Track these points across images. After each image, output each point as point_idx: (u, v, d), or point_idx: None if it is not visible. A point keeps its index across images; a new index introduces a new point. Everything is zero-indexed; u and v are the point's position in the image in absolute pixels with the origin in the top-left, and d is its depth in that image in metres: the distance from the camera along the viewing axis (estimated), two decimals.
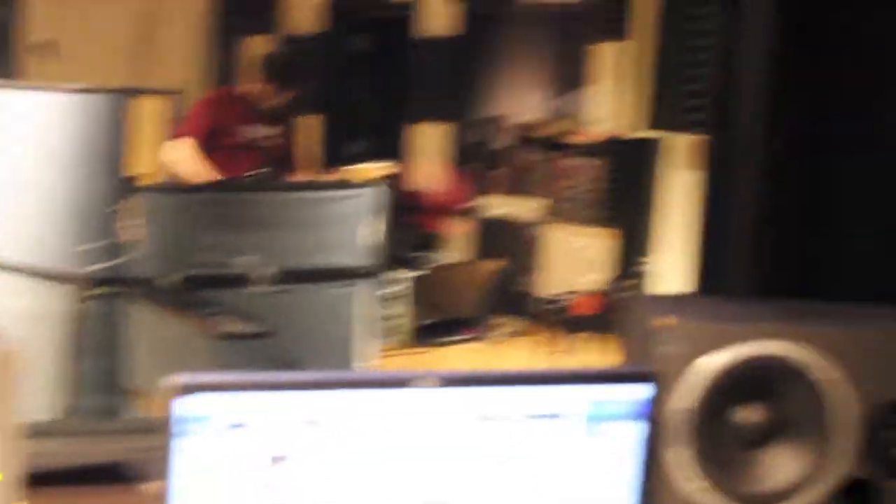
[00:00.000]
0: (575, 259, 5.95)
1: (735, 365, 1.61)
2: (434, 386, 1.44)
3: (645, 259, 5.28)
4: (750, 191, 2.43)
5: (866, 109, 2.24)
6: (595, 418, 1.50)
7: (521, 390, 1.47)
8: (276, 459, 1.39)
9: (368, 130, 7.11)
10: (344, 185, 4.57)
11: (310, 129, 6.80)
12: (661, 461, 1.59)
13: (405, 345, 5.55)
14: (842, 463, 1.62)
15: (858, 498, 1.63)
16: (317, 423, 1.40)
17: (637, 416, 1.52)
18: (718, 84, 2.98)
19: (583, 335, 5.26)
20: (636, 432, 1.52)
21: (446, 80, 6.75)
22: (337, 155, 6.43)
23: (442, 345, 5.65)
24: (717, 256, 2.54)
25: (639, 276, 5.20)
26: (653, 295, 2.30)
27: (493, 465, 1.47)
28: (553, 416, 1.49)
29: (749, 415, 1.63)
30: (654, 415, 1.53)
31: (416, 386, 1.44)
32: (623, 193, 5.67)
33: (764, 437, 1.63)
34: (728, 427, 1.63)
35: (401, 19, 6.99)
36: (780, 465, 1.62)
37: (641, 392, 1.52)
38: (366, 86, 7.26)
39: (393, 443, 1.43)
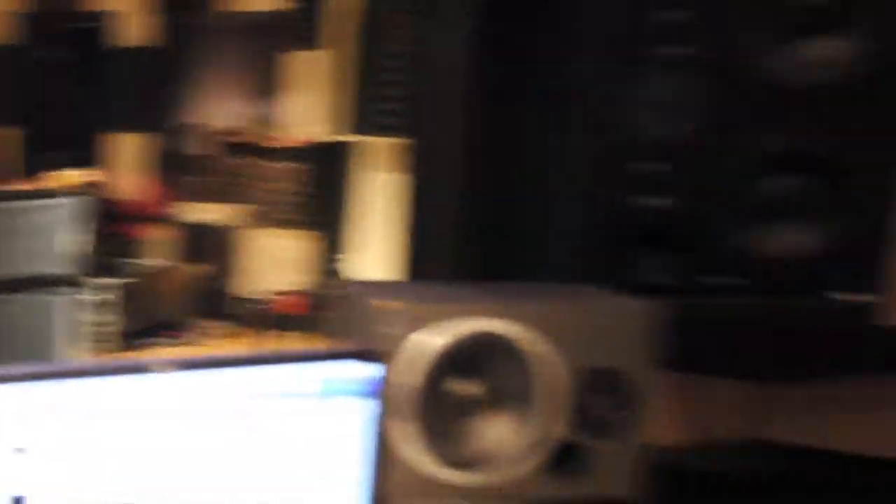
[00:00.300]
0: (279, 261, 5.97)
1: (452, 342, 1.68)
2: (172, 370, 1.46)
3: (342, 256, 5.35)
4: (449, 191, 2.52)
5: (558, 112, 2.34)
6: (327, 395, 1.55)
7: (257, 370, 1.50)
8: (18, 451, 1.38)
9: (68, 141, 6.94)
10: (43, 193, 4.46)
11: (7, 141, 6.59)
12: (389, 434, 1.64)
13: (112, 351, 5.46)
14: (553, 427, 1.72)
15: (569, 458, 1.73)
16: (58, 413, 1.40)
17: (366, 393, 1.57)
18: (416, 90, 3.07)
19: (289, 334, 5.29)
20: (366, 408, 1.57)
21: (145, 90, 6.66)
22: (37, 166, 6.25)
23: (149, 348, 5.58)
24: (420, 253, 2.62)
25: (340, 273, 5.27)
26: (372, 281, 2.36)
27: (231, 443, 1.50)
28: (287, 394, 1.52)
29: (467, 388, 1.71)
30: (380, 391, 1.59)
31: (155, 371, 1.45)
32: (324, 196, 5.73)
33: (482, 407, 1.71)
34: (448, 400, 1.70)
35: (98, 30, 6.86)
36: (498, 433, 1.71)
37: (369, 370, 1.57)
38: (64, 96, 7.08)
39: (133, 428, 1.44)
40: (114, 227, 5.85)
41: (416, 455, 1.66)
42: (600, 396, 1.75)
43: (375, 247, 4.89)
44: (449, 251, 2.52)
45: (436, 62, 2.57)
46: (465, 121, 2.49)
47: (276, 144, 6.23)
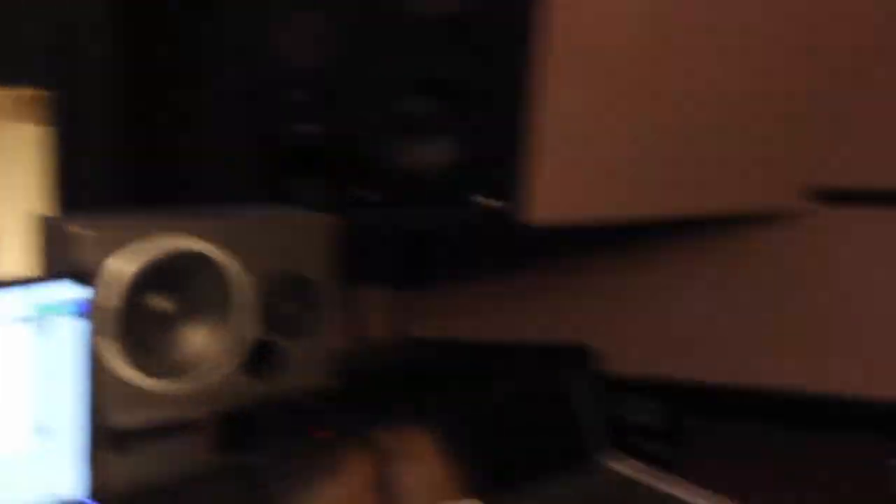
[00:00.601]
0: None
1: (147, 262, 1.76)
2: None
3: None
4: (103, 135, 2.51)
5: (212, 51, 2.40)
6: (41, 317, 1.60)
7: None
8: None
9: None
10: None
11: None
12: (99, 351, 1.71)
13: None
14: (247, 330, 1.83)
15: (264, 357, 1.85)
16: None
17: (76, 314, 1.64)
18: (58, 38, 3.02)
19: None
20: (78, 328, 1.64)
21: None
22: None
23: None
24: (72, 198, 2.61)
25: None
26: (67, 215, 2.36)
27: None
28: (2, 317, 1.57)
29: (166, 303, 1.80)
30: (88, 312, 1.66)
31: None
32: None
33: (181, 319, 1.80)
34: (149, 316, 1.78)
35: None
36: (198, 341, 1.81)
37: (78, 292, 1.64)
38: None
39: None
40: None
41: (124, 369, 1.73)
42: (288, 300, 1.88)
43: (15, 198, 4.77)
44: (102, 194, 2.52)
45: (77, 11, 2.55)
46: (113, 64, 2.50)
47: None
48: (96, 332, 1.70)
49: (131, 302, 1.75)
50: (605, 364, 2.57)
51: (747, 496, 2.20)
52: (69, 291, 1.63)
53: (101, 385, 1.71)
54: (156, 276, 1.77)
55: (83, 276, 1.67)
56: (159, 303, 1.79)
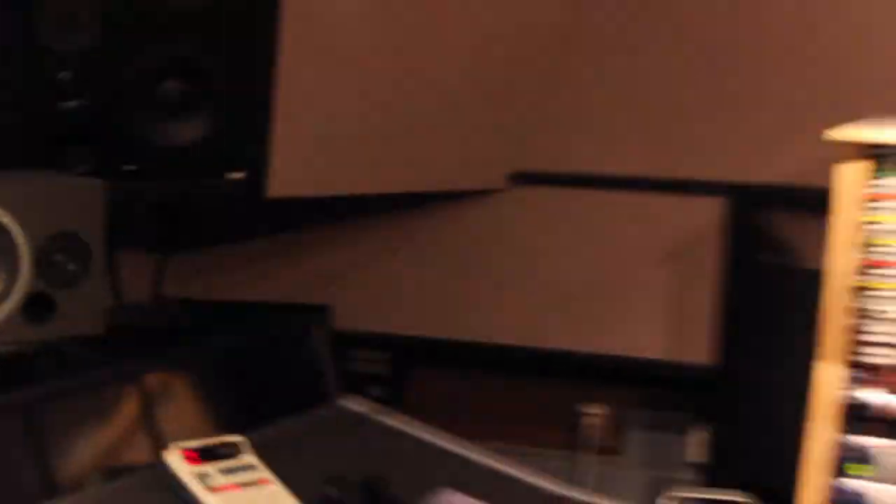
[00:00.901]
0: None
1: None
2: None
3: None
4: None
5: None
6: None
7: None
8: None
9: None
10: None
11: None
12: None
13: None
14: (23, 282, 2.01)
15: (39, 306, 2.03)
16: None
17: None
18: None
19: None
20: None
21: None
22: None
23: None
24: None
25: None
26: None
27: None
28: None
29: None
30: None
31: None
32: None
33: None
34: None
35: None
36: None
37: None
38: None
39: None
40: None
41: None
42: (61, 256, 2.05)
43: None
44: None
45: None
46: None
47: None
48: None
49: None
50: (341, 320, 2.78)
51: (459, 432, 2.46)
52: None
53: None
54: None
55: None
56: None
